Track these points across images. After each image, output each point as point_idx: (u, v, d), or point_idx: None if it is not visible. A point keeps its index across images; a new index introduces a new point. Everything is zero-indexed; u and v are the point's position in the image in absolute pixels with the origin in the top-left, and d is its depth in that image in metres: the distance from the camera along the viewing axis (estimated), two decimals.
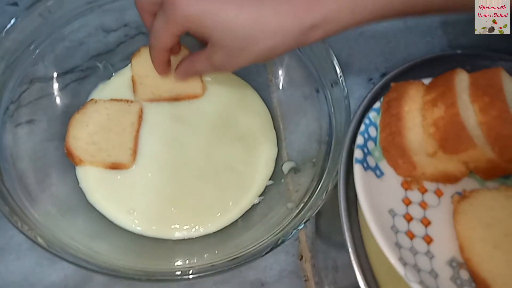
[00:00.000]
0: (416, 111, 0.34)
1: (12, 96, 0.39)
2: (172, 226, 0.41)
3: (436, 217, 0.32)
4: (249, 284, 0.41)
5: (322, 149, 0.42)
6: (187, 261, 0.37)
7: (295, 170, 0.45)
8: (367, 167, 0.32)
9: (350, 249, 0.30)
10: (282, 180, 0.45)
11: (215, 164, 0.45)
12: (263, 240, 0.36)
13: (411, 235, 0.31)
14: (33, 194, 0.37)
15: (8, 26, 0.38)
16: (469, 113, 0.32)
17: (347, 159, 0.33)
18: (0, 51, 0.37)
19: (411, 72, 0.38)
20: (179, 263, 0.37)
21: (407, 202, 0.32)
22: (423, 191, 0.33)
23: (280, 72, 0.50)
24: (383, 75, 0.38)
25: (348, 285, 0.37)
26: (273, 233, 0.36)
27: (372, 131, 0.35)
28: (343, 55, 0.56)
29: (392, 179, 0.33)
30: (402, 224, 0.31)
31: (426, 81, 0.36)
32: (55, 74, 0.44)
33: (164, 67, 0.43)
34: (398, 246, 0.29)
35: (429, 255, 0.30)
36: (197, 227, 0.41)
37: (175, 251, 0.40)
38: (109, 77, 0.48)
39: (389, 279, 0.31)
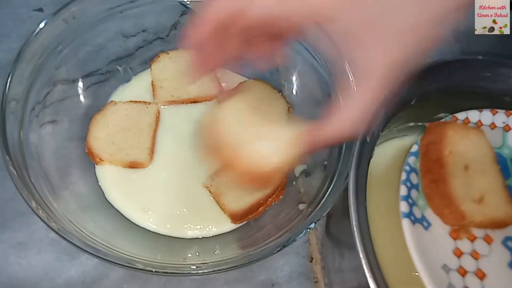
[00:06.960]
0: (457, 154, 0.33)
1: (38, 97, 0.40)
2: (185, 226, 0.42)
3: (490, 269, 0.31)
4: (259, 285, 0.42)
5: (333, 152, 0.42)
6: (201, 258, 0.38)
7: (306, 173, 0.46)
8: (414, 220, 0.32)
9: (359, 247, 0.30)
10: (294, 183, 0.45)
11: None
12: (275, 239, 0.36)
13: None
14: (56, 190, 0.38)
15: (37, 30, 0.39)
16: None
17: (357, 160, 0.33)
18: (28, 54, 0.39)
19: (425, 75, 0.38)
20: (192, 259, 0.38)
21: (458, 253, 0.32)
22: (472, 239, 0.32)
23: (293, 77, 0.51)
24: None
25: (357, 286, 0.37)
26: (284, 233, 0.37)
27: (414, 178, 0.34)
28: None
29: (439, 229, 0.33)
30: (458, 281, 0.30)
31: (460, 116, 0.35)
32: (77, 77, 0.46)
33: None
34: None
35: None
36: (209, 227, 0.42)
37: (189, 248, 0.41)
38: (128, 80, 0.50)
39: (398, 277, 0.31)
